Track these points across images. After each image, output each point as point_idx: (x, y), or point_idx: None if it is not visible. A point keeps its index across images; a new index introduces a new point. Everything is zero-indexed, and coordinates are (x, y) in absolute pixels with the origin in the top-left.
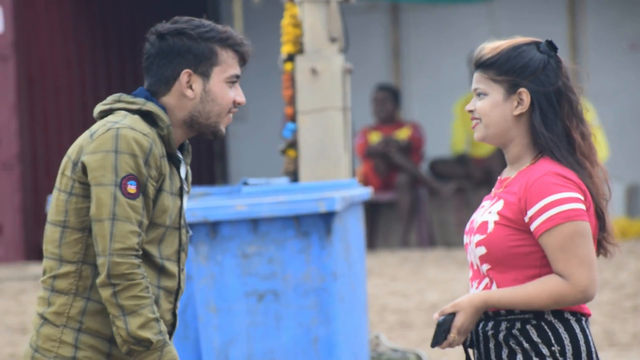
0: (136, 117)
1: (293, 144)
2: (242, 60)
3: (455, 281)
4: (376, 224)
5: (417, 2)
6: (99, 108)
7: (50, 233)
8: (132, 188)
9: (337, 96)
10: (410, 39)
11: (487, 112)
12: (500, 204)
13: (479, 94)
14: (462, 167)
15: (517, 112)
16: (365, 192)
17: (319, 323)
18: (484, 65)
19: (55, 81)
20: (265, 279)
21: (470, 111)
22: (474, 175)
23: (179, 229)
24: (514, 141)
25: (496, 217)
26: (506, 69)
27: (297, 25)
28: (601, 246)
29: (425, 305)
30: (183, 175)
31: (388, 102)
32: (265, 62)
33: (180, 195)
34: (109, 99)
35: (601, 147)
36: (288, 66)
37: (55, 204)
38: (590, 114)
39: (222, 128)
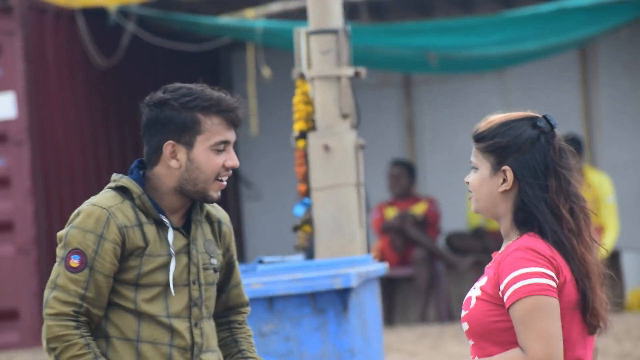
0: (110, 193)
1: (308, 221)
2: (233, 124)
3: None
4: (394, 300)
5: (429, 73)
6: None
7: None
8: (74, 262)
9: (351, 172)
10: (424, 113)
11: (476, 187)
12: (484, 280)
13: (473, 167)
14: (479, 241)
15: (501, 189)
16: (382, 268)
17: None
18: (477, 138)
19: (71, 164)
20: (282, 357)
21: (467, 182)
22: (491, 249)
23: (188, 285)
24: (504, 216)
25: (478, 293)
26: (492, 145)
27: (309, 102)
28: (586, 323)
29: None
30: (170, 239)
31: (403, 177)
32: (279, 138)
33: (188, 253)
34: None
35: (612, 225)
36: (301, 143)
37: None
38: (607, 191)
39: (212, 194)
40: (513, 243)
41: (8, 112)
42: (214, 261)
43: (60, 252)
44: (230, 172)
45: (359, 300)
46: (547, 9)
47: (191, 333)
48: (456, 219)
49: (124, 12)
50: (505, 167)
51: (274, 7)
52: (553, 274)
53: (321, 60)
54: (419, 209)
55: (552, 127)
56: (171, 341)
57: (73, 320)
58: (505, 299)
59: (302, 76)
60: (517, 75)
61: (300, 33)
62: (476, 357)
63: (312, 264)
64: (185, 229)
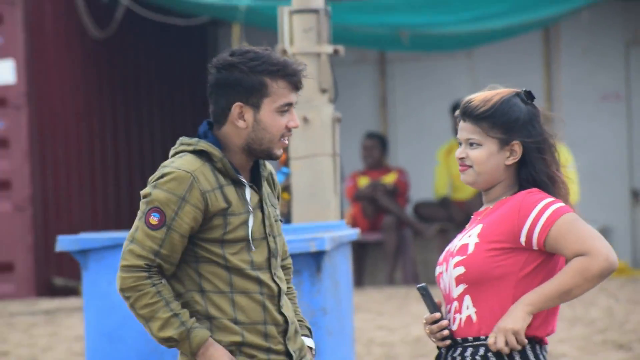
0: (190, 157)
1: (286, 188)
2: (296, 87)
3: None
4: (364, 263)
5: (402, 51)
6: (170, 153)
7: None
8: (154, 219)
9: (327, 143)
10: (396, 90)
11: (482, 161)
12: (479, 228)
13: (471, 144)
14: (444, 210)
15: (509, 162)
16: (353, 233)
17: None
18: (477, 117)
19: (65, 129)
20: None
21: (462, 158)
22: (455, 218)
23: (265, 239)
24: (500, 184)
25: (476, 240)
26: (501, 123)
27: None
28: None
29: (410, 339)
30: (248, 197)
31: (376, 149)
32: None
33: (261, 209)
34: (177, 143)
35: (574, 190)
36: None
37: None
38: (568, 159)
39: (277, 151)
40: (514, 196)
41: (8, 78)
42: (278, 212)
43: (142, 206)
44: (292, 132)
45: (332, 262)
46: None
47: (274, 282)
48: (424, 189)
49: None
50: (515, 142)
51: None
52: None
53: (303, 37)
54: (390, 178)
55: (533, 100)
56: (261, 290)
57: (145, 271)
58: (538, 232)
59: (284, 52)
60: (485, 55)
61: (283, 12)
62: (466, 297)
63: (290, 228)
64: (254, 184)
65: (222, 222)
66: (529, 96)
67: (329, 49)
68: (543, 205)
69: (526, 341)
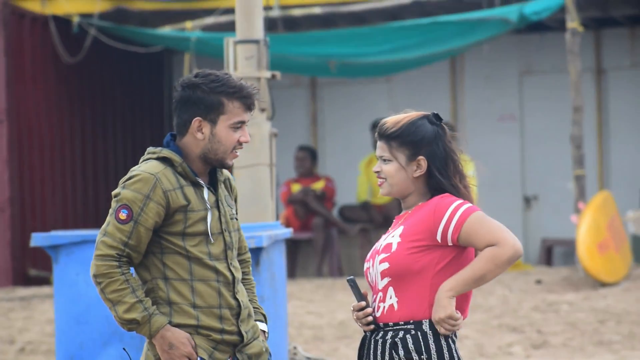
0: (154, 162)
1: None
2: (249, 108)
3: None
4: (296, 258)
5: (330, 77)
6: (140, 161)
7: None
8: (122, 215)
9: (265, 155)
10: (325, 109)
11: (392, 175)
12: (400, 229)
13: (384, 160)
14: (366, 212)
15: (416, 174)
16: (287, 232)
17: None
18: (388, 137)
19: (40, 141)
20: None
21: (377, 172)
22: (375, 219)
23: (222, 233)
24: (412, 193)
25: (399, 240)
26: (407, 142)
27: None
28: None
29: (335, 323)
30: (206, 196)
31: (307, 160)
32: None
33: (218, 207)
34: (145, 152)
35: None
36: None
37: None
38: (469, 166)
39: (229, 162)
40: (429, 200)
41: None
42: (234, 211)
43: (113, 205)
44: (243, 146)
45: (269, 257)
46: (424, 22)
47: (230, 271)
48: (348, 194)
49: (85, 22)
50: (420, 158)
51: (208, 20)
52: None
53: (245, 64)
54: (319, 185)
55: (441, 121)
56: (217, 277)
57: (116, 260)
58: (452, 228)
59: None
60: (401, 81)
61: (229, 42)
62: (390, 289)
63: None
64: (211, 187)
65: (183, 217)
66: (437, 118)
67: (267, 74)
68: (455, 206)
69: (459, 317)
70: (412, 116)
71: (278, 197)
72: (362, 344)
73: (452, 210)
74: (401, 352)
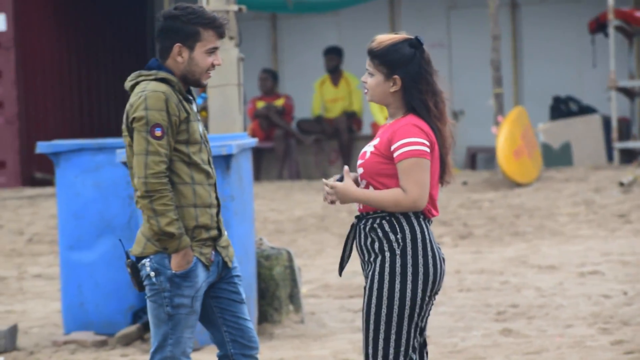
0: (155, 83)
1: (204, 108)
2: (220, 36)
3: (313, 202)
4: (260, 163)
5: (288, 13)
6: (128, 84)
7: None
8: (158, 132)
9: (234, 76)
10: (284, 39)
11: (372, 87)
12: (376, 140)
13: (369, 73)
14: (319, 125)
15: (392, 90)
16: (253, 142)
17: None
18: (372, 54)
19: (43, 64)
20: None
21: (364, 82)
22: (326, 131)
23: (206, 142)
24: (391, 104)
25: (372, 149)
26: (386, 61)
27: None
28: (442, 178)
29: (294, 218)
30: (195, 109)
31: (269, 80)
32: None
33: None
34: (132, 75)
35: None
36: None
37: (127, 151)
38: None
39: (203, 81)
40: (402, 119)
41: (0, 27)
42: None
43: (143, 128)
44: (215, 68)
45: (238, 163)
46: None
47: (214, 174)
48: (304, 110)
49: None
50: (395, 76)
51: None
52: (427, 143)
53: None
54: (279, 102)
55: (421, 44)
56: (209, 180)
57: (166, 176)
58: (395, 155)
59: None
60: (347, 15)
61: None
62: (370, 187)
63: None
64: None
65: (186, 127)
66: (418, 42)
67: (235, 7)
68: (404, 142)
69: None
70: (395, 39)
71: (245, 112)
72: (351, 230)
73: (403, 142)
74: (379, 233)
